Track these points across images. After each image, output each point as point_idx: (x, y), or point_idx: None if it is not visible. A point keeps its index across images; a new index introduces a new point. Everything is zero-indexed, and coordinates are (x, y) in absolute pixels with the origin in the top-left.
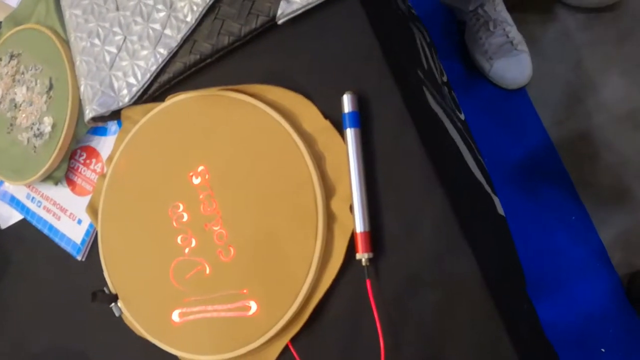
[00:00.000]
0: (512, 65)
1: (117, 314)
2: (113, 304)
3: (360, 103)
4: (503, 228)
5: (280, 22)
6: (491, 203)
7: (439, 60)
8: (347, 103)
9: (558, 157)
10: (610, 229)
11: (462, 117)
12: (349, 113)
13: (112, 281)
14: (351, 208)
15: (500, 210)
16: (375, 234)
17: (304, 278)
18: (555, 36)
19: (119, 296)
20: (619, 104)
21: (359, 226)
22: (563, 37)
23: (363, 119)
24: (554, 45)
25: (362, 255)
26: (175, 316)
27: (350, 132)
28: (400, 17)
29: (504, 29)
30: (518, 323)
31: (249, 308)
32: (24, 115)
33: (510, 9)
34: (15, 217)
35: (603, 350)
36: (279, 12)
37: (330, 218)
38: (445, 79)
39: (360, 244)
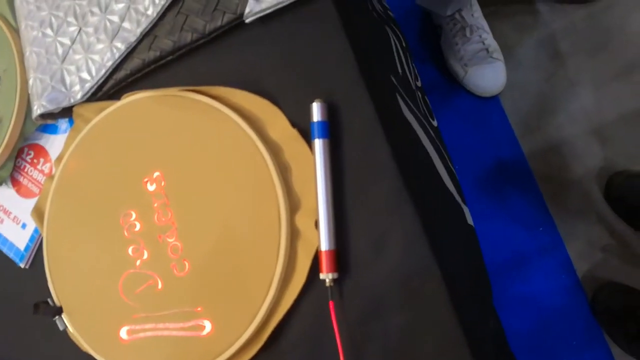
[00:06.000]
0: (487, 72)
1: (60, 328)
2: (57, 317)
3: (330, 112)
4: (472, 238)
5: (248, 20)
6: (461, 213)
7: (414, 65)
8: (316, 112)
9: (528, 167)
10: (577, 242)
11: (435, 123)
12: (317, 122)
13: (57, 292)
14: (316, 224)
15: (470, 220)
16: (341, 252)
17: (263, 297)
18: (530, 46)
19: (64, 309)
20: (589, 117)
21: (324, 244)
22: (538, 48)
23: (332, 129)
24: (528, 55)
25: (326, 276)
26: (124, 333)
27: (318, 143)
28: (376, 20)
29: (480, 36)
30: (485, 346)
31: (203, 327)
32: None
33: (487, 16)
34: None
35: None
36: (247, 10)
37: (294, 234)
38: (419, 83)
39: (324, 263)
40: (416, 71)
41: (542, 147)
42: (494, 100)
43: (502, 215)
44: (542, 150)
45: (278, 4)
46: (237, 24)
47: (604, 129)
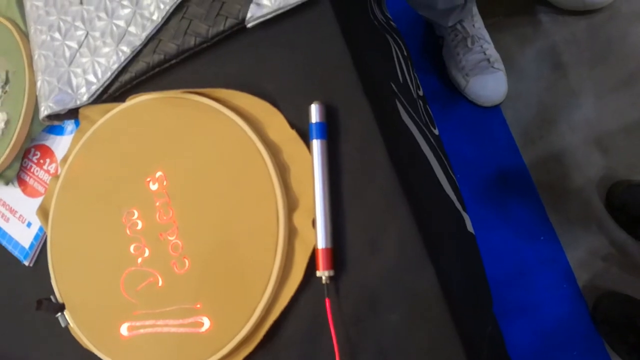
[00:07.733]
0: (488, 82)
1: (63, 325)
2: (59, 313)
3: (329, 113)
4: (472, 246)
5: (249, 25)
6: (461, 220)
7: (416, 74)
8: (314, 113)
9: (529, 176)
10: (578, 252)
11: (436, 132)
12: (316, 124)
13: (60, 289)
14: (314, 223)
15: (470, 227)
16: (338, 250)
17: (260, 294)
18: (531, 57)
19: (66, 306)
20: (590, 127)
21: (321, 242)
22: (538, 58)
23: (331, 130)
24: (529, 66)
25: (323, 273)
26: (124, 330)
27: (316, 144)
28: (376, 27)
29: (481, 46)
30: (480, 347)
31: (202, 324)
32: None
33: (489, 27)
34: None
35: None
36: (249, 15)
37: (291, 232)
38: (421, 92)
39: (321, 261)
40: (418, 81)
41: (543, 157)
42: (495, 110)
43: (503, 224)
44: (543, 160)
45: (279, 9)
46: (239, 29)
47: (605, 139)
